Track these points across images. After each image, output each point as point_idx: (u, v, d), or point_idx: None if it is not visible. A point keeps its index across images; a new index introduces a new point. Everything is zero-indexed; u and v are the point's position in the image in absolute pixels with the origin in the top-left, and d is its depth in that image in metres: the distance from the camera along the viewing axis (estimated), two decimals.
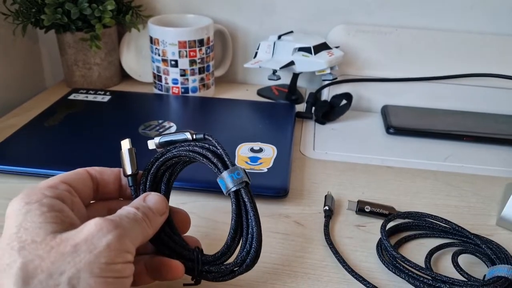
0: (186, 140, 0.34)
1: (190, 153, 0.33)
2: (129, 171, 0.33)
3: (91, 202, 0.33)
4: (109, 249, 0.25)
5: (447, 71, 0.65)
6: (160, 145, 0.34)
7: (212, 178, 0.45)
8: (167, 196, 0.34)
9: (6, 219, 0.26)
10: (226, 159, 0.33)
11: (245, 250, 0.32)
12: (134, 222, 0.28)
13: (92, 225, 0.26)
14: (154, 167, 0.34)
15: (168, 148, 0.34)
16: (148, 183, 0.34)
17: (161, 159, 0.34)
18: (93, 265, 0.24)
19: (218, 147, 0.33)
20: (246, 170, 0.46)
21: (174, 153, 0.33)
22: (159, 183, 0.34)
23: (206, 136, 0.33)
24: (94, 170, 0.33)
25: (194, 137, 0.34)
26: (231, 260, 0.32)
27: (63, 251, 0.24)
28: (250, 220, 0.32)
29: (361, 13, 0.70)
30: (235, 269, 0.32)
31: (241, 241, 0.33)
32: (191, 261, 0.32)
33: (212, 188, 0.45)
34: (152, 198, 0.32)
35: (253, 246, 0.32)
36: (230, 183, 0.32)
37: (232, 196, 0.32)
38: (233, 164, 0.32)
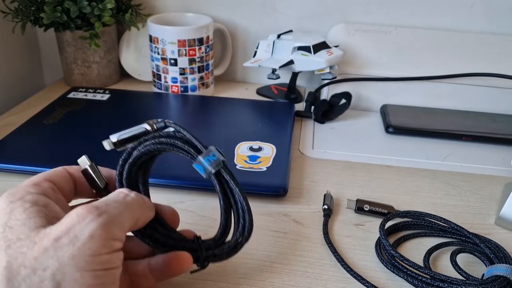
0: (147, 133, 0.32)
1: (158, 146, 0.31)
2: (101, 186, 0.32)
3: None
4: (93, 239, 0.24)
5: (447, 70, 0.65)
6: (119, 143, 0.32)
7: None
8: (147, 196, 0.33)
9: None
10: (196, 143, 0.31)
11: (240, 225, 0.32)
12: (123, 206, 0.27)
13: (73, 215, 0.25)
14: (125, 170, 0.32)
15: (132, 145, 0.32)
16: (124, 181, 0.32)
17: (130, 161, 0.32)
18: (78, 258, 0.23)
19: (184, 133, 0.31)
20: (245, 169, 0.47)
21: (142, 150, 0.31)
22: (135, 184, 0.33)
23: (168, 124, 0.32)
24: (73, 169, 0.32)
25: (155, 127, 0.32)
26: (229, 238, 0.33)
27: (45, 246, 0.24)
28: (237, 196, 0.32)
29: (361, 12, 0.70)
30: (239, 241, 0.32)
31: (233, 218, 0.33)
32: (194, 251, 0.32)
33: (210, 187, 0.45)
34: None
35: (246, 220, 0.32)
36: (208, 166, 0.31)
37: (213, 178, 0.32)
38: (205, 147, 0.31)
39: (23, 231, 0.24)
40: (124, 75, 0.75)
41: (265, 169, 0.47)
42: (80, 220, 0.24)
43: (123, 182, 0.32)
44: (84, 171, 0.32)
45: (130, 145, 0.32)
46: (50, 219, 0.26)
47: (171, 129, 0.32)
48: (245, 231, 0.32)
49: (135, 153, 0.32)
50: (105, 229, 0.25)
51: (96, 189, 0.32)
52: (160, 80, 0.68)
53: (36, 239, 0.24)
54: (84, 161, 0.32)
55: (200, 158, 0.31)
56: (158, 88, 0.69)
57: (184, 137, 0.31)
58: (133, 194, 0.29)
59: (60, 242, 0.24)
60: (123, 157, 0.32)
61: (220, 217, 0.33)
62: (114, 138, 0.32)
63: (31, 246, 0.24)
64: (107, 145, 0.32)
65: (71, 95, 0.64)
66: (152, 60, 0.67)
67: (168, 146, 0.31)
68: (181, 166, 0.46)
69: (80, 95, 0.64)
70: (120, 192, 0.29)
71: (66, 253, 0.23)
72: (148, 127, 0.32)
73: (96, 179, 0.32)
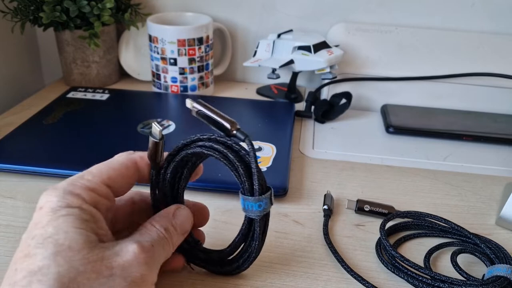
0: (223, 129, 0.30)
1: (222, 159, 0.30)
2: (157, 159, 0.31)
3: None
4: (142, 279, 0.26)
5: (447, 70, 0.65)
6: (197, 114, 0.31)
7: (212, 177, 0.45)
8: (187, 177, 0.33)
9: (40, 210, 0.26)
10: (255, 183, 0.29)
11: (241, 259, 0.34)
12: (162, 248, 0.29)
13: (130, 253, 0.26)
14: (180, 155, 0.31)
15: (200, 136, 0.31)
16: (170, 169, 0.32)
17: (189, 149, 0.31)
18: None
19: (253, 166, 0.29)
20: None
21: (207, 150, 0.30)
22: (183, 167, 0.33)
23: (246, 142, 0.29)
24: (143, 160, 0.31)
25: (234, 132, 0.29)
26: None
27: (99, 271, 0.24)
28: (251, 247, 0.33)
29: (361, 12, 0.70)
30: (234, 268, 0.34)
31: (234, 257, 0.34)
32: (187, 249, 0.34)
33: (211, 187, 0.45)
34: (181, 214, 0.32)
35: (249, 261, 0.33)
36: (252, 212, 0.30)
37: (247, 218, 0.32)
38: (261, 192, 0.30)
39: (77, 241, 0.24)
40: (123, 74, 0.75)
41: (265, 169, 0.47)
42: (134, 259, 0.26)
43: (172, 163, 0.31)
44: (156, 143, 0.31)
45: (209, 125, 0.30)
46: (99, 237, 0.26)
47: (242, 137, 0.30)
48: (244, 266, 0.34)
49: (197, 146, 0.30)
50: (152, 271, 0.27)
51: (149, 156, 0.31)
52: (160, 79, 0.68)
53: (89, 257, 0.24)
54: (156, 132, 0.31)
55: (251, 199, 0.30)
56: (158, 88, 0.69)
57: (251, 169, 0.29)
58: (168, 234, 0.30)
59: (113, 273, 0.25)
60: (185, 141, 0.31)
61: (234, 240, 0.33)
62: (198, 106, 0.30)
63: (84, 263, 0.24)
64: (189, 104, 0.31)
65: (70, 95, 0.64)
66: (152, 60, 0.67)
67: (230, 165, 0.30)
68: None
69: (79, 95, 0.64)
70: (160, 232, 0.29)
71: (117, 286, 0.24)
72: (228, 127, 0.29)
73: (156, 152, 0.31)
